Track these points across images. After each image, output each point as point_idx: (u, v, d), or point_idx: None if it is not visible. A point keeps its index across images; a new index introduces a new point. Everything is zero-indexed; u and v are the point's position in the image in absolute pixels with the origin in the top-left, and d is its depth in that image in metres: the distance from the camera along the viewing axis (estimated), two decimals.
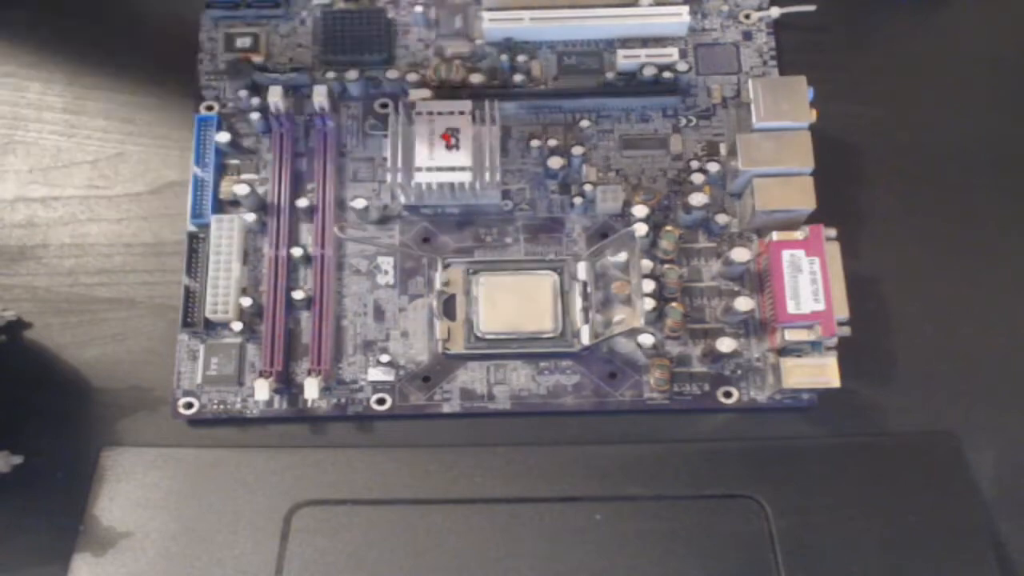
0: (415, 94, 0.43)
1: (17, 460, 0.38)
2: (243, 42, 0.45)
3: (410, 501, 0.38)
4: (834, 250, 0.39)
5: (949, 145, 0.44)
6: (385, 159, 0.43)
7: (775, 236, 0.39)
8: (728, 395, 0.40)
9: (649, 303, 0.40)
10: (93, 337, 0.42)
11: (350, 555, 0.37)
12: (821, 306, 0.38)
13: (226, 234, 0.41)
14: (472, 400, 0.40)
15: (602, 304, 0.40)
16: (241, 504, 0.38)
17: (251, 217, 0.42)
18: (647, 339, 0.40)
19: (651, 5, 0.45)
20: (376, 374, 0.41)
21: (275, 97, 0.42)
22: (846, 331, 0.39)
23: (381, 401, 0.41)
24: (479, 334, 0.41)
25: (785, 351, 0.39)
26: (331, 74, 0.44)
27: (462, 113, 0.41)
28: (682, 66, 0.43)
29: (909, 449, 0.39)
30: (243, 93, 0.44)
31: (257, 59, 0.45)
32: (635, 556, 0.37)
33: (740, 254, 0.40)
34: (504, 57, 0.44)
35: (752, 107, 0.40)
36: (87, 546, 0.38)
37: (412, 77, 0.44)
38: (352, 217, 0.43)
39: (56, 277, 0.43)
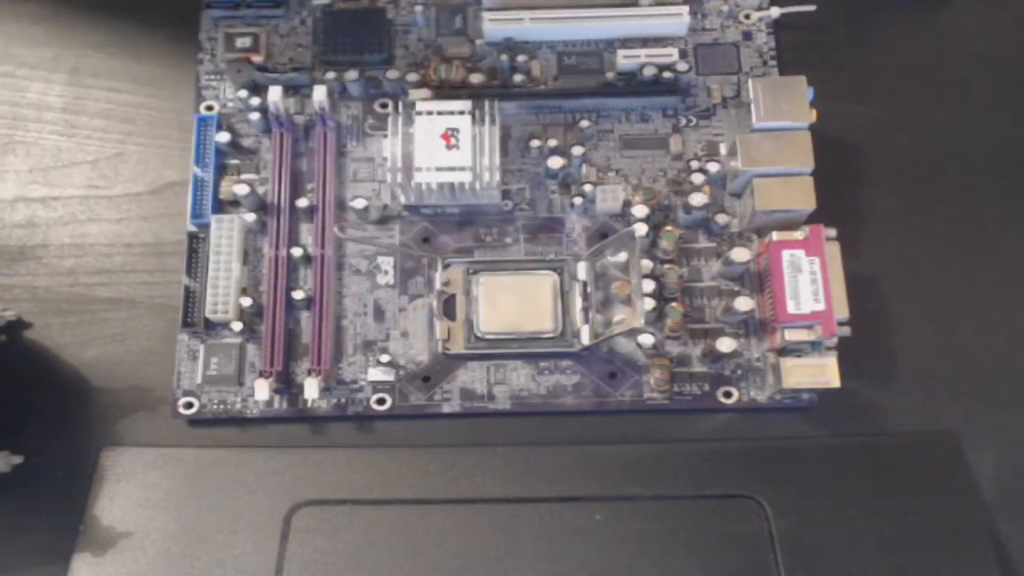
0: (415, 94, 0.43)
1: (17, 460, 0.38)
2: (243, 42, 0.45)
3: (410, 501, 0.38)
4: (834, 250, 0.39)
5: (949, 145, 0.44)
6: (385, 159, 0.43)
7: (775, 236, 0.39)
8: (728, 395, 0.40)
9: (649, 303, 0.40)
10: (93, 337, 0.42)
11: (350, 555, 0.37)
12: (821, 306, 0.38)
13: (226, 234, 0.41)
14: (472, 400, 0.40)
15: (602, 304, 0.40)
16: (241, 504, 0.38)
17: (251, 217, 0.42)
18: (647, 339, 0.40)
19: (651, 5, 0.45)
20: (376, 374, 0.41)
21: (275, 97, 0.42)
22: (846, 331, 0.39)
23: (381, 401, 0.41)
24: (479, 334, 0.41)
25: (785, 351, 0.39)
26: (331, 74, 0.44)
27: (462, 113, 0.41)
28: (682, 66, 0.43)
29: (909, 449, 0.39)
30: (243, 93, 0.44)
31: (257, 59, 0.45)
32: (635, 556, 0.37)
33: (740, 254, 0.40)
34: (504, 57, 0.44)
35: (752, 107, 0.40)
36: (87, 546, 0.38)
37: (412, 77, 0.44)
38: (352, 217, 0.43)
39: (56, 277, 0.43)
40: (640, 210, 0.41)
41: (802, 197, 0.40)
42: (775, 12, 0.45)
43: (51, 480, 0.40)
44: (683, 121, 0.44)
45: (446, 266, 0.42)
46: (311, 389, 0.39)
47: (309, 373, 0.40)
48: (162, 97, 0.46)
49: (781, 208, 0.40)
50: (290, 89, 0.44)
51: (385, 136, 0.43)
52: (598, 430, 0.40)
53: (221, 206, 0.43)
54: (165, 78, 0.46)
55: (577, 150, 0.42)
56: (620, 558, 0.37)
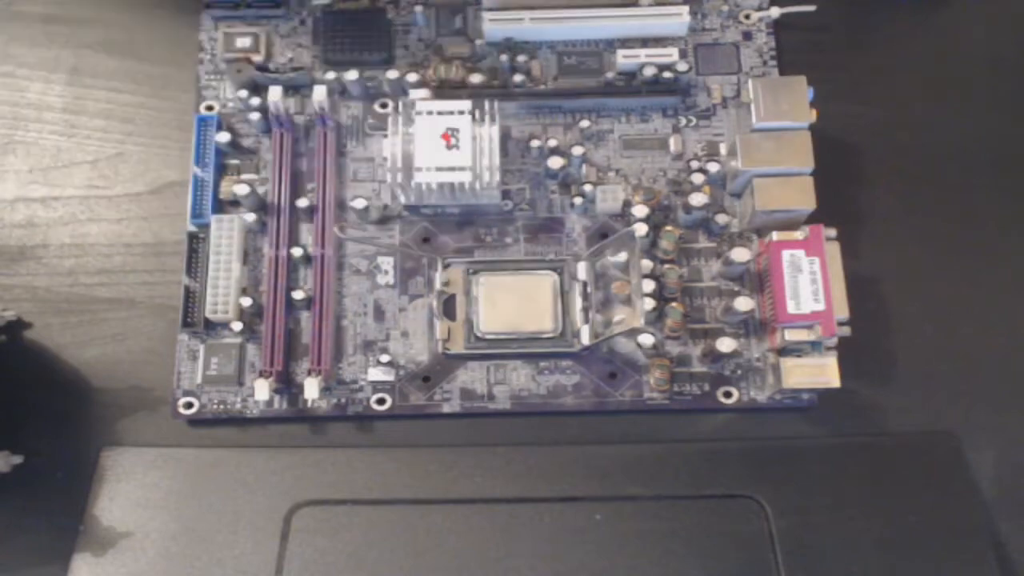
0: (415, 94, 0.43)
1: (17, 460, 0.38)
2: (243, 42, 0.45)
3: (410, 501, 0.38)
4: (834, 250, 0.39)
5: (949, 145, 0.44)
6: (385, 159, 0.43)
7: (775, 236, 0.39)
8: (728, 395, 0.40)
9: (649, 303, 0.40)
10: (93, 337, 0.42)
11: (350, 555, 0.37)
12: (821, 306, 0.38)
13: (226, 234, 0.41)
14: (472, 400, 0.40)
15: (602, 304, 0.40)
16: (241, 504, 0.38)
17: (251, 217, 0.42)
18: (647, 339, 0.40)
19: (651, 5, 0.45)
20: (376, 374, 0.41)
21: (275, 97, 0.42)
22: (846, 331, 0.39)
23: (381, 401, 0.41)
24: (479, 334, 0.41)
25: (785, 351, 0.39)
26: (331, 74, 0.44)
27: (462, 113, 0.41)
28: (682, 66, 0.43)
29: (909, 449, 0.39)
30: (243, 93, 0.44)
31: (257, 59, 0.45)
32: (635, 556, 0.37)
33: (740, 254, 0.40)
34: (504, 57, 0.44)
35: (752, 107, 0.40)
36: (87, 546, 0.38)
37: (412, 77, 0.44)
38: (352, 217, 0.43)
39: (56, 277, 0.43)
40: (640, 210, 0.41)
41: (802, 197, 0.40)
42: (775, 12, 0.45)
43: (51, 480, 0.40)
44: (683, 121, 0.44)
45: (446, 266, 0.42)
46: (311, 389, 0.39)
47: (309, 373, 0.40)
48: (162, 97, 0.46)
49: (781, 208, 0.40)
50: (290, 89, 0.44)
51: (385, 136, 0.43)
52: (598, 430, 0.40)
53: (221, 206, 0.43)
54: (165, 78, 0.46)
55: (577, 150, 0.42)
56: (620, 558, 0.37)
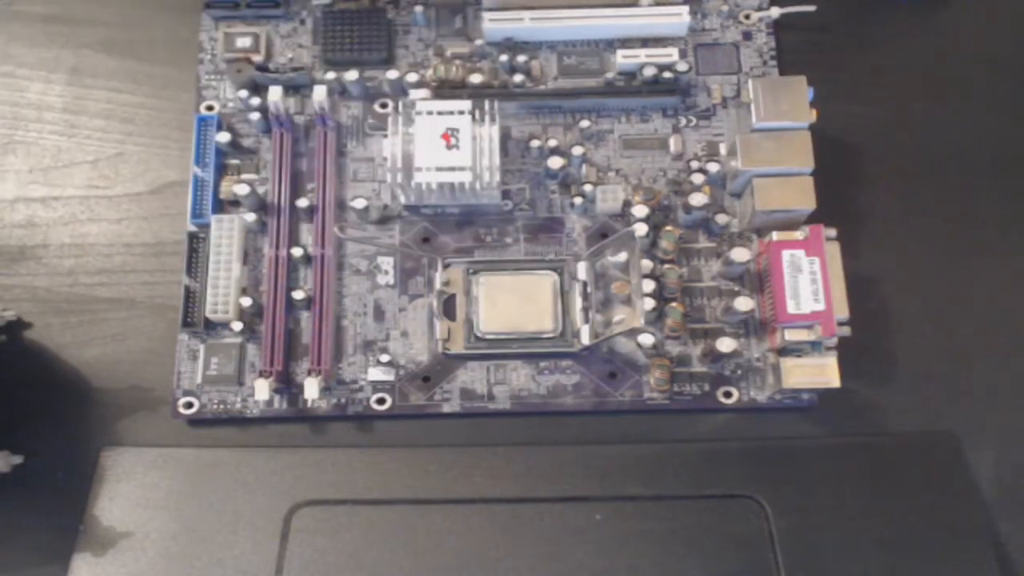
0: (415, 94, 0.43)
1: (17, 460, 0.38)
2: (243, 42, 0.45)
3: (410, 501, 0.38)
4: (834, 250, 0.39)
5: (949, 145, 0.44)
6: (385, 159, 0.43)
7: (775, 236, 0.39)
8: (728, 395, 0.40)
9: (649, 303, 0.40)
10: (93, 337, 0.42)
11: (350, 555, 0.37)
12: (821, 306, 0.38)
13: (226, 234, 0.41)
14: (472, 400, 0.40)
15: (602, 304, 0.40)
16: (241, 504, 0.38)
17: (251, 217, 0.42)
18: (647, 339, 0.40)
19: (651, 5, 0.45)
20: (376, 374, 0.41)
21: (275, 97, 0.42)
22: (846, 331, 0.39)
23: (381, 401, 0.41)
24: (479, 334, 0.41)
25: (785, 351, 0.39)
26: (331, 74, 0.44)
27: (462, 113, 0.41)
28: (682, 66, 0.43)
29: (909, 449, 0.39)
30: (243, 93, 0.44)
31: (257, 59, 0.45)
32: (635, 556, 0.37)
33: (740, 254, 0.40)
34: (504, 57, 0.44)
35: (752, 107, 0.40)
36: (87, 546, 0.38)
37: (412, 77, 0.44)
38: (352, 217, 0.43)
39: (56, 277, 0.43)
40: (640, 210, 0.41)
41: (802, 197, 0.40)
42: (775, 12, 0.45)
43: (51, 480, 0.40)
44: (683, 121, 0.44)
45: (446, 266, 0.42)
46: (311, 389, 0.39)
47: (309, 373, 0.40)
48: (162, 97, 0.46)
49: (781, 208, 0.40)
50: (290, 89, 0.44)
51: (385, 136, 0.43)
52: (598, 430, 0.40)
53: (221, 206, 0.43)
54: (165, 78, 0.46)
55: (577, 150, 0.42)
56: (620, 558, 0.37)
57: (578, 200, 0.42)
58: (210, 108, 0.45)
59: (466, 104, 0.42)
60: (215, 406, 0.41)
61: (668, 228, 0.42)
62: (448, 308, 0.41)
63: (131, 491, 0.39)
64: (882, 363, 0.41)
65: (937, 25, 0.47)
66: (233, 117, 0.44)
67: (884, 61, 0.46)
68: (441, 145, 0.41)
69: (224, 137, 0.43)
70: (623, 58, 0.44)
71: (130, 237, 0.44)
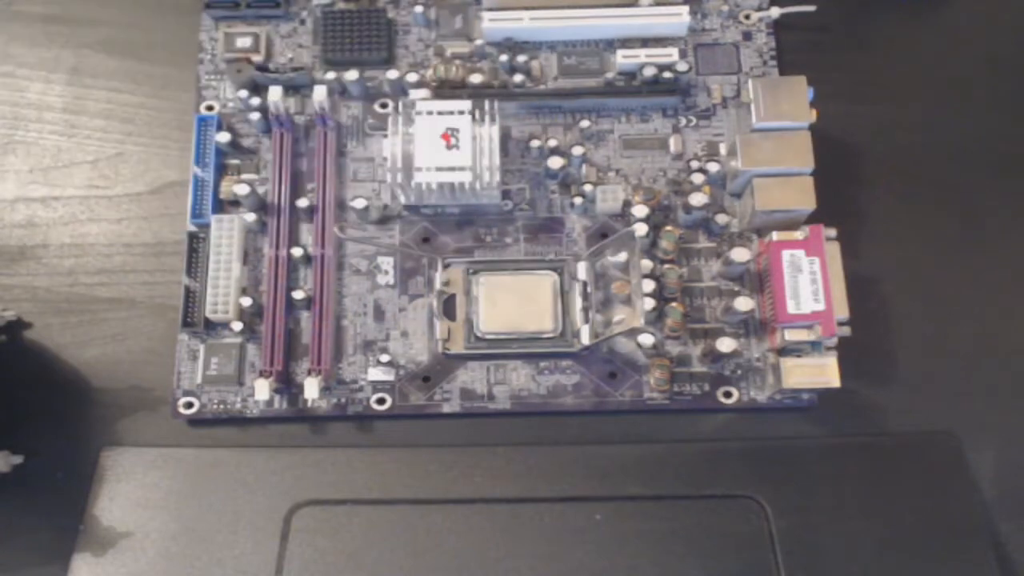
0: (415, 94, 0.43)
1: (17, 460, 0.38)
2: (243, 42, 0.45)
3: (410, 501, 0.38)
4: (834, 250, 0.39)
5: (949, 145, 0.44)
6: (385, 159, 0.43)
7: (775, 236, 0.39)
8: (728, 395, 0.40)
9: (649, 303, 0.40)
10: (93, 337, 0.42)
11: (350, 555, 0.37)
12: (821, 306, 0.38)
13: (226, 234, 0.41)
14: (472, 400, 0.40)
15: (602, 304, 0.40)
16: (241, 504, 0.38)
17: (251, 217, 0.42)
18: (647, 339, 0.40)
19: (651, 5, 0.45)
20: (376, 374, 0.41)
21: (275, 97, 0.42)
22: (846, 331, 0.39)
23: (381, 401, 0.41)
24: (479, 334, 0.41)
25: (785, 351, 0.39)
26: (331, 74, 0.44)
27: (462, 113, 0.41)
28: (682, 66, 0.43)
29: (909, 449, 0.39)
30: (243, 93, 0.44)
31: (257, 59, 0.45)
32: (635, 556, 0.37)
33: (740, 254, 0.40)
34: (504, 57, 0.44)
35: (752, 107, 0.40)
36: (87, 546, 0.38)
37: (412, 77, 0.44)
38: (352, 217, 0.43)
39: (56, 277, 0.43)
40: (640, 210, 0.41)
41: (802, 197, 0.40)
42: (775, 12, 0.45)
43: (51, 480, 0.40)
44: (683, 121, 0.44)
45: (446, 266, 0.42)
46: (311, 389, 0.39)
47: (309, 373, 0.40)
48: (162, 97, 0.46)
49: (781, 208, 0.40)
50: (290, 89, 0.44)
51: (385, 136, 0.43)
52: (598, 430, 0.40)
53: (221, 206, 0.43)
54: (165, 78, 0.46)
55: (577, 150, 0.42)
56: (620, 558, 0.37)
57: (578, 200, 0.42)
58: (210, 108, 0.45)
59: (466, 104, 0.42)
60: (215, 406, 0.41)
61: (668, 228, 0.42)
62: (448, 308, 0.41)
63: (131, 491, 0.39)
64: (882, 363, 0.41)
65: (937, 25, 0.47)
66: (233, 117, 0.44)
67: (884, 61, 0.46)
68: (441, 145, 0.41)
69: (224, 137, 0.43)
70: (623, 58, 0.44)
71: (130, 237, 0.44)
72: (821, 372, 0.38)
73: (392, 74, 0.44)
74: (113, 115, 0.46)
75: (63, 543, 0.38)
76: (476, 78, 0.44)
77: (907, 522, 0.38)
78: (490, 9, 0.44)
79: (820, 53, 0.45)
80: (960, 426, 0.40)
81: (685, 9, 0.44)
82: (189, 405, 0.40)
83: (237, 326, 0.41)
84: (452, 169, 0.41)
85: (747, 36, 0.45)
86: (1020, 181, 0.44)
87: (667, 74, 0.44)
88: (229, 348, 0.41)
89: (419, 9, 0.45)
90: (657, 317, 0.41)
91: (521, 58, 0.44)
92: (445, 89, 0.43)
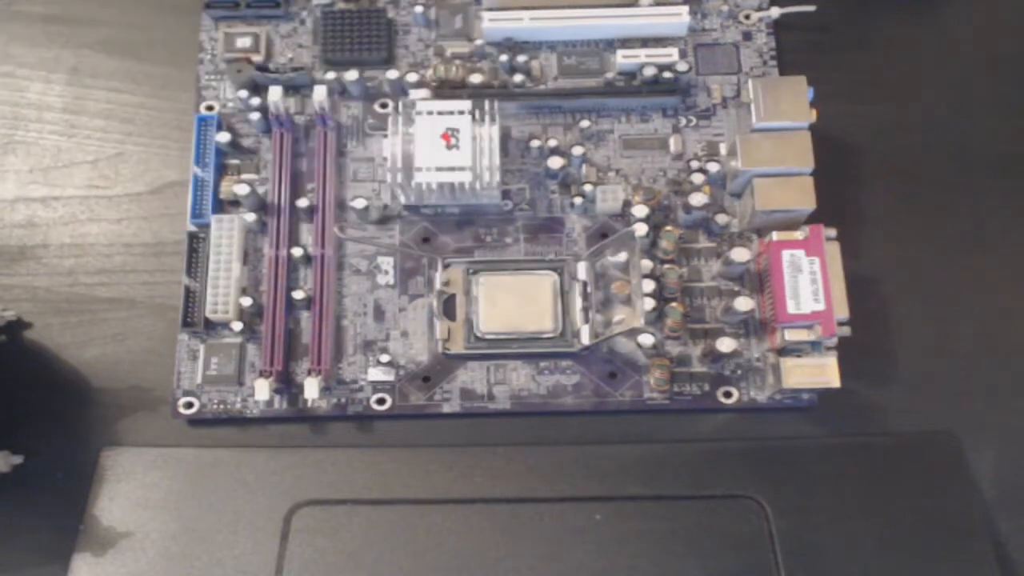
0: (415, 94, 0.43)
1: (17, 460, 0.38)
2: (243, 42, 0.45)
3: (410, 501, 0.38)
4: (834, 250, 0.39)
5: (949, 145, 0.44)
6: (385, 159, 0.43)
7: (775, 236, 0.39)
8: (728, 395, 0.40)
9: (649, 303, 0.40)
10: (93, 337, 0.42)
11: (350, 555, 0.37)
12: (821, 306, 0.38)
13: (226, 234, 0.41)
14: (472, 400, 0.40)
15: (602, 304, 0.40)
16: (241, 504, 0.38)
17: (251, 217, 0.42)
18: (647, 339, 0.40)
19: (651, 5, 0.45)
20: (376, 374, 0.41)
21: (275, 97, 0.42)
22: (846, 331, 0.39)
23: (381, 401, 0.41)
24: (479, 334, 0.41)
25: (785, 351, 0.39)
26: (331, 74, 0.44)
27: (462, 113, 0.41)
28: (682, 66, 0.43)
29: (909, 449, 0.39)
30: (243, 93, 0.44)
31: (257, 59, 0.45)
32: (635, 556, 0.37)
33: (740, 254, 0.40)
34: (504, 57, 0.44)
35: (752, 107, 0.40)
36: (87, 546, 0.38)
37: (412, 77, 0.44)
38: (352, 217, 0.43)
39: (56, 277, 0.43)
40: (640, 210, 0.41)
41: (802, 197, 0.40)
42: (775, 12, 0.45)
43: (51, 480, 0.40)
44: (683, 121, 0.44)
45: (446, 266, 0.42)
46: (311, 389, 0.39)
47: (309, 373, 0.40)
48: (162, 97, 0.46)
49: (781, 208, 0.40)
50: (290, 89, 0.44)
51: (385, 136, 0.43)
52: (598, 430, 0.40)
53: (221, 206, 0.43)
54: (165, 78, 0.46)
55: (577, 150, 0.42)
56: (620, 558, 0.37)
57: (578, 200, 0.42)
58: (210, 108, 0.45)
59: (466, 104, 0.42)
60: (215, 406, 0.41)
61: (668, 228, 0.42)
62: (448, 308, 0.41)
63: (131, 491, 0.39)
64: (882, 363, 0.41)
65: (937, 25, 0.47)
66: (233, 117, 0.44)
67: (884, 61, 0.46)
68: (441, 145, 0.41)
69: (224, 137, 0.43)
70: (623, 58, 0.44)
71: (130, 237, 0.44)
72: (821, 372, 0.38)
73: (392, 74, 0.44)
74: (113, 115, 0.46)
75: (63, 543, 0.38)
76: (476, 78, 0.44)
77: (907, 522, 0.38)
78: (490, 9, 0.44)
79: (820, 53, 0.45)
80: (960, 426, 0.40)
81: (685, 9, 0.44)
82: (189, 405, 0.40)
83: (237, 326, 0.41)
84: (452, 169, 0.41)
85: (747, 36, 0.45)
86: (1020, 181, 0.44)
87: (667, 74, 0.44)
88: (229, 348, 0.41)
89: (419, 9, 0.45)
90: (657, 317, 0.41)
91: (521, 58, 0.44)
92: (445, 89, 0.43)
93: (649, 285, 0.40)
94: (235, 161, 0.44)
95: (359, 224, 0.43)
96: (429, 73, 0.44)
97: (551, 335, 0.40)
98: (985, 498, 0.39)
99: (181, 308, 0.41)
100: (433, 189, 0.41)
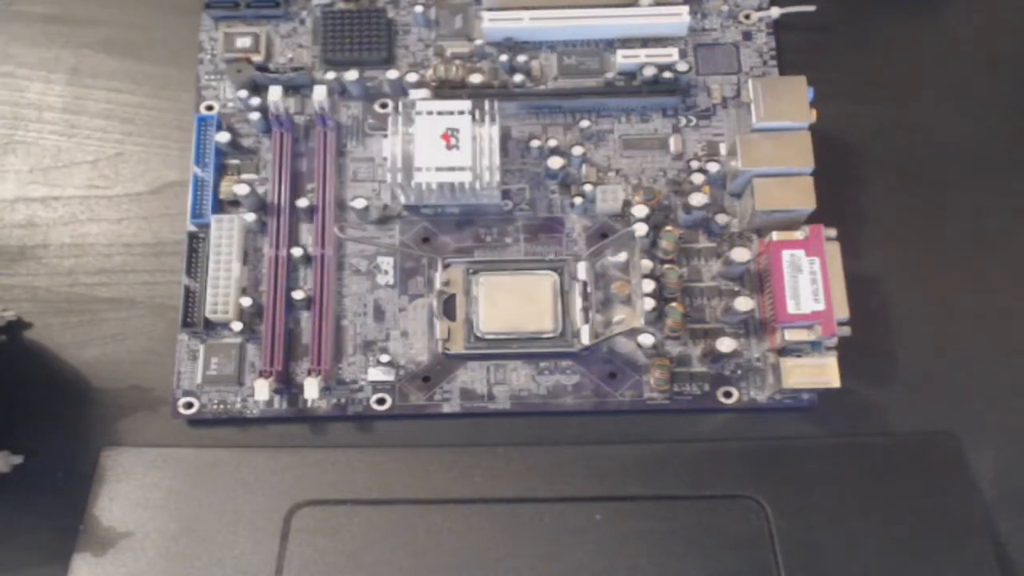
0: (415, 94, 0.43)
1: (17, 460, 0.38)
2: (243, 42, 0.45)
3: (410, 501, 0.38)
4: (834, 250, 0.39)
5: (949, 145, 0.44)
6: (385, 159, 0.43)
7: (775, 236, 0.39)
8: (728, 395, 0.40)
9: (649, 303, 0.40)
10: (93, 337, 0.42)
11: (350, 555, 0.37)
12: (821, 306, 0.38)
13: (226, 234, 0.41)
14: (472, 400, 0.40)
15: (602, 304, 0.40)
16: (241, 504, 0.38)
17: (251, 217, 0.42)
18: (647, 339, 0.40)
19: (651, 5, 0.45)
20: (376, 374, 0.41)
21: (275, 97, 0.42)
22: (846, 331, 0.39)
23: (381, 401, 0.41)
24: (479, 334, 0.41)
25: (785, 351, 0.39)
26: (331, 74, 0.44)
27: (462, 113, 0.41)
28: (682, 66, 0.43)
29: (909, 449, 0.39)
30: (243, 93, 0.44)
31: (257, 59, 0.45)
32: (635, 556, 0.37)
33: (740, 254, 0.40)
34: (504, 57, 0.44)
35: (752, 107, 0.40)
36: (87, 546, 0.38)
37: (412, 77, 0.44)
38: (352, 217, 0.43)
39: (56, 277, 0.43)
40: (640, 210, 0.41)
41: (802, 197, 0.40)
42: (775, 12, 0.45)
43: (51, 480, 0.40)
44: (683, 121, 0.44)
45: (446, 266, 0.42)
46: (311, 389, 0.39)
47: (309, 373, 0.40)
48: (162, 97, 0.46)
49: (781, 208, 0.40)
50: (290, 89, 0.44)
51: (385, 136, 0.43)
52: (598, 430, 0.40)
53: (221, 206, 0.43)
54: (165, 78, 0.46)
55: (577, 150, 0.42)
56: (620, 558, 0.37)
57: (578, 200, 0.42)
58: (210, 108, 0.45)
59: (466, 104, 0.42)
60: (215, 406, 0.41)
61: (668, 228, 0.42)
62: (448, 308, 0.41)
63: (131, 491, 0.39)
64: (882, 363, 0.41)
65: (937, 25, 0.47)
66: (233, 117, 0.44)
67: (884, 61, 0.46)
68: (441, 145, 0.41)
69: (224, 137, 0.43)
70: (623, 58, 0.44)
71: (130, 237, 0.44)
72: (821, 372, 0.38)
73: (392, 74, 0.44)
74: (113, 115, 0.46)
75: (63, 543, 0.38)
76: (476, 78, 0.44)
77: (907, 522, 0.38)
78: (490, 9, 0.44)
79: (820, 53, 0.46)
80: (960, 426, 0.40)
81: (685, 9, 0.44)
82: (189, 405, 0.40)
83: (237, 326, 0.41)
84: (452, 169, 0.41)
85: (747, 36, 0.45)
86: (1020, 181, 0.44)
87: (667, 74, 0.44)
88: (229, 348, 0.41)
89: (419, 9, 0.45)
90: (657, 317, 0.41)
91: (521, 58, 0.44)
92: (445, 89, 0.43)
93: (649, 285, 0.40)
94: (235, 161, 0.44)
95: (359, 224, 0.43)
96: (429, 73, 0.44)
97: (551, 335, 0.40)
98: (985, 498, 0.39)
99: (181, 308, 0.41)
100: (433, 189, 0.41)
